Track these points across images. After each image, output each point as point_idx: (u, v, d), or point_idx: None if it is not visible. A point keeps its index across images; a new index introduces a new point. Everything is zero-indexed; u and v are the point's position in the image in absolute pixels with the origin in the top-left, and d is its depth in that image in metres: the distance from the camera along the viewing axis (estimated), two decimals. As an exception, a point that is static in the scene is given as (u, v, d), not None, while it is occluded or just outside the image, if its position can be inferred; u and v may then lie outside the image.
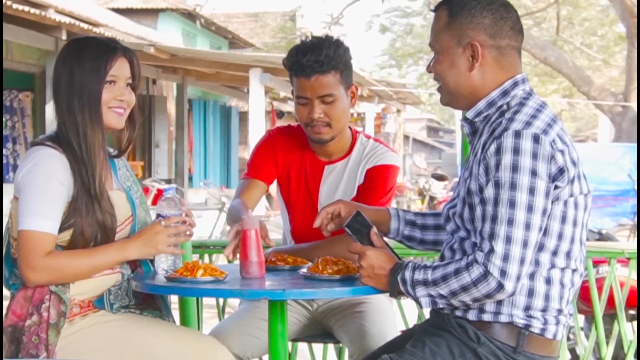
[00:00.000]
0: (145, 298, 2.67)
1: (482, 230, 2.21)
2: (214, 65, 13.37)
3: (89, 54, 2.60)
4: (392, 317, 3.03)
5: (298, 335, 3.14)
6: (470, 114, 2.37)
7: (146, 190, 11.10)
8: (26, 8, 9.11)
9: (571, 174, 2.23)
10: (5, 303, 2.71)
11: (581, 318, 4.82)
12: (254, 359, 2.98)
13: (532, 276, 2.26)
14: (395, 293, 2.32)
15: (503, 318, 2.27)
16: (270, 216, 11.53)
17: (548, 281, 2.28)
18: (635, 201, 12.79)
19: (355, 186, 3.06)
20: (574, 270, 2.31)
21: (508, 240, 2.16)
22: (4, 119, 11.47)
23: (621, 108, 16.86)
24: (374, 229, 2.44)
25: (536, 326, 2.27)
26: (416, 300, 2.29)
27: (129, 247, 2.54)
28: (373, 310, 2.97)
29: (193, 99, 17.49)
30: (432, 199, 17.16)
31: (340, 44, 2.96)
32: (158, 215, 2.57)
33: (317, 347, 4.00)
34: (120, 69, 2.62)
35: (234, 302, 5.31)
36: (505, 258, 2.16)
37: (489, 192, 2.21)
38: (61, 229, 2.53)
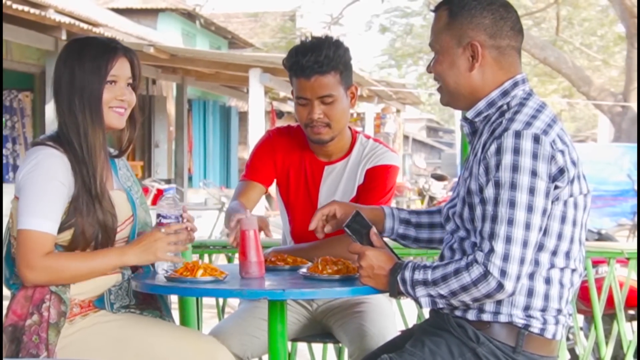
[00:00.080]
0: (145, 298, 2.67)
1: (482, 230, 2.22)
2: (213, 65, 13.37)
3: (89, 54, 2.60)
4: (392, 317, 3.04)
5: (298, 335, 3.14)
6: (470, 114, 2.38)
7: (146, 190, 11.10)
8: (26, 8, 9.11)
9: (571, 174, 2.24)
10: (5, 303, 2.71)
11: (580, 318, 4.83)
12: (253, 358, 2.98)
13: (531, 276, 2.26)
14: (395, 293, 2.32)
15: (502, 318, 2.28)
16: (270, 216, 11.53)
17: (547, 281, 2.28)
18: (634, 201, 12.79)
19: (355, 186, 3.06)
20: (573, 270, 2.31)
21: (508, 240, 2.17)
22: (3, 119, 11.47)
23: (621, 108, 16.86)
24: (374, 229, 2.45)
25: (535, 326, 2.28)
26: (416, 300, 2.30)
27: (128, 252, 2.54)
28: (373, 310, 2.97)
29: (193, 99, 17.49)
30: (431, 199, 17.16)
31: (340, 44, 2.96)
32: (158, 216, 2.57)
33: (317, 347, 4.00)
34: (121, 69, 2.62)
35: (233, 302, 5.32)
36: (505, 258, 2.16)
37: (489, 192, 2.21)
38: (62, 229, 2.53)
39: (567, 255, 2.29)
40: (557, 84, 27.02)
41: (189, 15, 18.85)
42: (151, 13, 18.25)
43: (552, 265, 2.28)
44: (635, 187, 12.37)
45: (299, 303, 3.10)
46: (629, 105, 16.62)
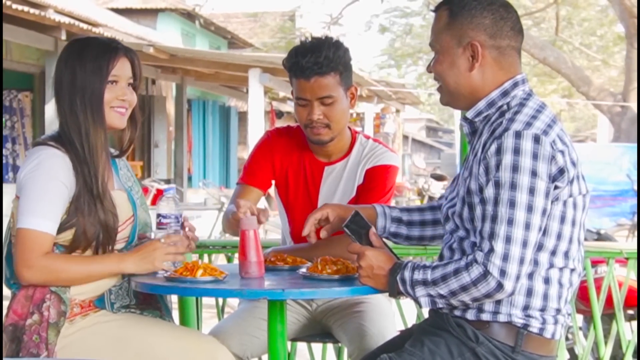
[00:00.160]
0: (145, 298, 2.67)
1: (482, 230, 2.22)
2: (213, 65, 13.38)
3: (90, 54, 2.60)
4: (391, 316, 3.04)
5: (297, 335, 3.15)
6: (470, 114, 2.38)
7: (145, 190, 11.11)
8: (25, 8, 9.12)
9: (571, 174, 2.24)
10: (5, 303, 2.72)
11: (580, 318, 4.83)
12: (253, 358, 2.98)
13: (530, 276, 2.27)
14: (395, 293, 2.33)
15: (502, 318, 2.28)
16: (269, 216, 11.53)
17: (547, 281, 2.28)
18: (633, 201, 12.80)
19: (355, 186, 3.07)
20: (572, 270, 2.32)
21: (508, 240, 2.17)
22: (3, 119, 11.47)
23: (620, 108, 16.86)
24: (373, 229, 2.45)
25: (535, 326, 2.28)
26: (415, 300, 2.30)
27: (126, 260, 2.55)
28: (372, 310, 2.97)
29: (192, 99, 17.49)
30: (431, 199, 17.15)
31: (340, 45, 2.96)
32: (158, 215, 2.57)
33: (317, 346, 4.01)
34: (122, 69, 2.63)
35: (233, 302, 5.32)
36: (505, 258, 2.17)
37: (489, 191, 2.21)
38: (63, 229, 2.54)
39: (566, 255, 2.29)
40: (557, 84, 27.03)
41: (189, 15, 18.85)
42: (151, 13, 18.26)
43: (551, 265, 2.28)
44: (635, 187, 12.37)
45: (298, 303, 3.10)
46: (629, 105, 16.63)
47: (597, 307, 3.89)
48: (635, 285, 4.26)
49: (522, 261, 2.18)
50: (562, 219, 2.26)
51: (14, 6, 8.84)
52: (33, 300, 2.54)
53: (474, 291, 2.20)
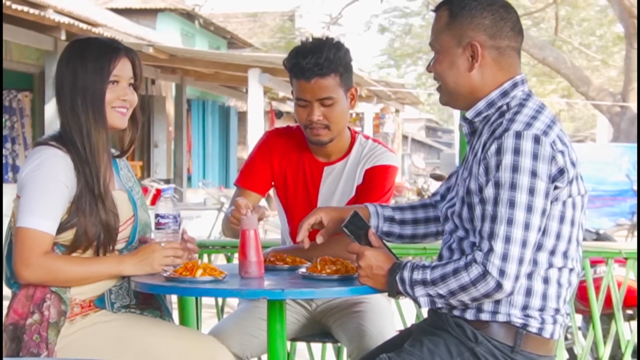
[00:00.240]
0: (146, 298, 2.68)
1: (482, 230, 2.22)
2: (212, 65, 13.39)
3: (92, 54, 2.61)
4: (391, 316, 3.04)
5: (297, 334, 3.15)
6: (470, 114, 2.38)
7: (145, 190, 11.11)
8: (25, 8, 9.12)
9: (570, 175, 2.24)
10: (5, 303, 2.72)
11: (579, 318, 4.83)
12: (252, 358, 2.99)
13: (529, 276, 2.27)
14: (394, 293, 2.33)
15: (501, 317, 2.28)
16: (269, 216, 11.54)
17: (546, 281, 2.28)
18: (633, 201, 12.79)
19: (354, 186, 3.07)
20: (571, 270, 2.32)
21: (507, 240, 2.17)
22: (3, 119, 11.47)
23: (619, 108, 16.86)
24: (372, 229, 2.45)
25: (534, 325, 2.28)
26: (415, 300, 2.30)
27: (125, 262, 2.55)
28: (371, 310, 2.98)
29: (192, 99, 17.49)
30: (430, 198, 17.13)
31: (340, 46, 2.96)
32: (156, 216, 2.58)
33: (316, 346, 4.01)
34: (123, 69, 2.63)
35: (232, 301, 5.32)
36: (504, 258, 2.17)
37: (489, 192, 2.22)
38: (64, 228, 2.54)
39: (565, 254, 2.29)
40: (556, 84, 27.02)
41: (188, 15, 18.85)
42: (150, 13, 18.26)
43: (551, 265, 2.28)
44: (634, 187, 12.37)
45: (298, 303, 3.11)
46: (628, 105, 16.63)
47: (596, 307, 3.89)
48: (634, 285, 4.26)
49: (521, 261, 2.18)
50: (562, 219, 2.26)
51: (14, 6, 8.84)
52: (34, 300, 2.54)
53: (473, 291, 2.21)
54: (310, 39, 2.99)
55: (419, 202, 2.71)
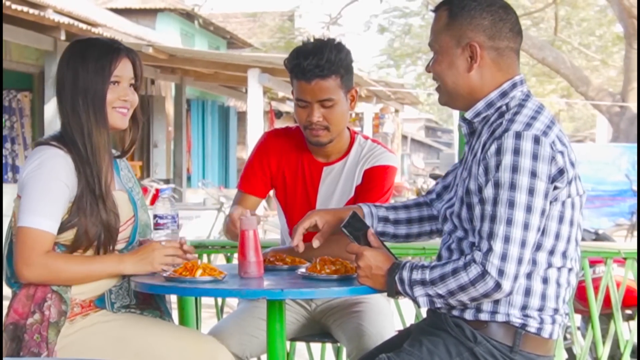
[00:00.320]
0: (146, 298, 2.68)
1: (481, 230, 2.23)
2: (212, 65, 13.39)
3: (92, 54, 2.61)
4: (390, 316, 3.04)
5: (296, 334, 3.15)
6: (469, 115, 2.39)
7: (145, 190, 11.11)
8: (25, 8, 9.12)
9: (570, 175, 2.25)
10: (5, 303, 2.72)
11: (578, 318, 4.83)
12: (252, 358, 2.99)
13: (529, 276, 2.27)
14: (393, 293, 2.33)
15: (500, 317, 2.29)
16: (268, 216, 11.55)
17: (545, 280, 2.29)
18: (632, 201, 12.79)
19: (353, 187, 3.07)
20: (570, 270, 2.32)
21: (506, 240, 2.18)
22: (2, 119, 11.47)
23: (619, 108, 16.86)
24: (371, 230, 2.45)
25: (533, 325, 2.29)
26: (414, 300, 2.30)
27: (125, 261, 2.56)
28: (371, 310, 2.98)
29: (191, 99, 17.49)
30: (430, 199, 17.14)
31: (341, 47, 2.96)
32: (155, 216, 2.59)
33: (315, 346, 4.01)
34: (123, 70, 2.64)
35: (232, 301, 5.32)
36: (504, 257, 2.17)
37: (489, 192, 2.22)
38: (65, 228, 2.55)
39: (564, 254, 2.30)
40: (556, 84, 27.02)
41: (188, 15, 18.86)
42: (150, 13, 18.26)
43: (550, 265, 2.29)
44: (634, 187, 12.37)
45: (297, 303, 3.11)
46: (627, 106, 16.63)
47: (595, 307, 3.89)
48: (633, 285, 4.26)
49: (520, 261, 2.18)
50: (561, 219, 2.27)
51: (14, 6, 8.84)
52: (34, 300, 2.54)
53: (472, 291, 2.21)
54: (312, 40, 2.99)
55: (413, 201, 2.71)
